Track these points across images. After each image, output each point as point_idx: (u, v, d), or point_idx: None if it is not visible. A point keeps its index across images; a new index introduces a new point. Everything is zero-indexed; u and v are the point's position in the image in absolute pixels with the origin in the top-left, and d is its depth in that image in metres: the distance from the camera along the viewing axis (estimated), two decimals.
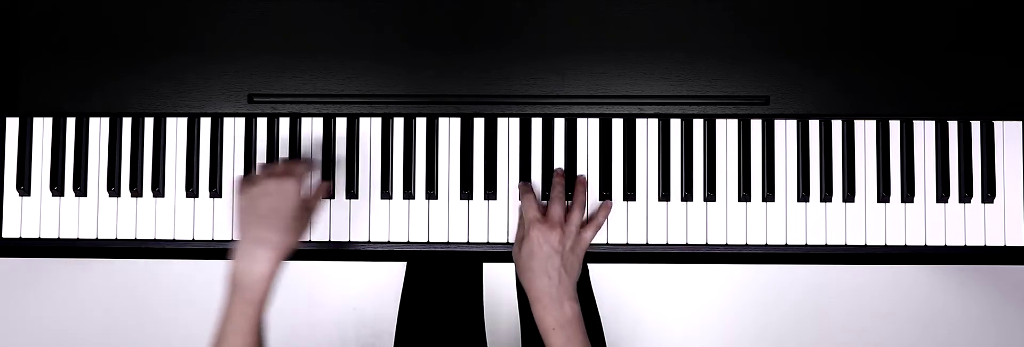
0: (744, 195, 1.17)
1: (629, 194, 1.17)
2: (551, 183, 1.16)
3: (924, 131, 1.18)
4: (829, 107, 1.18)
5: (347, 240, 1.18)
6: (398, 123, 1.19)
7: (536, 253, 1.08)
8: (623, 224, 1.17)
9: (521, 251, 1.10)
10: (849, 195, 1.17)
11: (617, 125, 1.18)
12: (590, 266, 1.46)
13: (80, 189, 1.19)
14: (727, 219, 1.17)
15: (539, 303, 1.06)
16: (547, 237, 1.08)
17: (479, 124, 1.19)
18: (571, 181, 1.17)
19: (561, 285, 1.06)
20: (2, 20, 1.20)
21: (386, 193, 1.18)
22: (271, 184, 1.01)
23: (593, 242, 1.16)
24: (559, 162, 1.18)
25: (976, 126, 1.18)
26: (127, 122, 1.20)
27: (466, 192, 1.18)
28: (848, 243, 1.17)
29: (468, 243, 1.18)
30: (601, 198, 1.17)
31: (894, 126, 1.18)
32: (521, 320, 1.33)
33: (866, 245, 1.17)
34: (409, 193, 1.18)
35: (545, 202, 1.15)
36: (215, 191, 1.18)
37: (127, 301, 1.82)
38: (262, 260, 0.97)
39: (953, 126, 1.18)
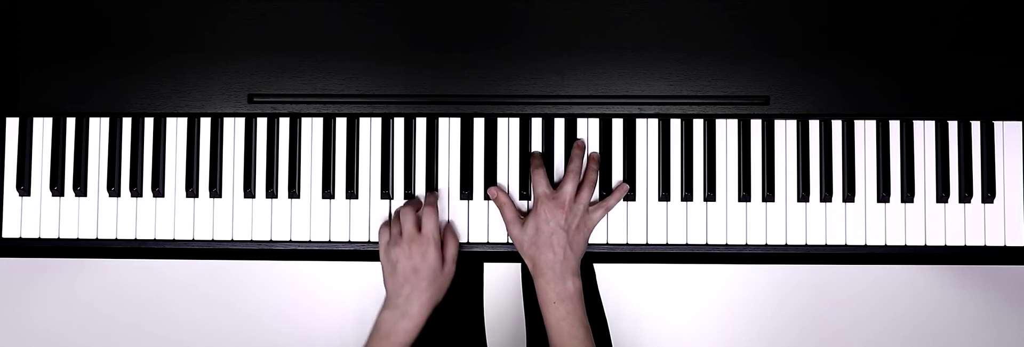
0: (744, 195, 1.17)
1: (629, 194, 1.17)
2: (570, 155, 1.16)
3: (924, 131, 1.18)
4: (829, 107, 1.18)
5: (347, 240, 1.18)
6: (398, 123, 1.19)
7: (542, 229, 1.09)
8: (623, 224, 1.17)
9: (527, 226, 1.10)
10: (849, 195, 1.17)
11: (617, 125, 1.18)
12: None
13: (80, 189, 1.19)
14: (727, 219, 1.17)
15: (543, 277, 1.08)
16: (554, 214, 1.09)
17: (479, 124, 1.19)
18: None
19: (565, 261, 1.08)
20: (2, 20, 1.20)
21: (386, 193, 1.18)
22: (414, 249, 1.09)
23: (593, 242, 1.16)
24: (559, 162, 1.18)
25: (976, 126, 1.18)
26: (127, 122, 1.20)
27: (466, 192, 1.17)
28: (848, 243, 1.17)
29: (469, 243, 1.18)
30: (600, 198, 1.17)
31: (894, 126, 1.18)
32: (527, 319, 1.33)
33: (866, 245, 1.17)
34: (409, 193, 1.18)
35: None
36: (215, 191, 1.18)
37: (127, 301, 1.82)
38: (408, 316, 1.07)
39: (953, 126, 1.18)
